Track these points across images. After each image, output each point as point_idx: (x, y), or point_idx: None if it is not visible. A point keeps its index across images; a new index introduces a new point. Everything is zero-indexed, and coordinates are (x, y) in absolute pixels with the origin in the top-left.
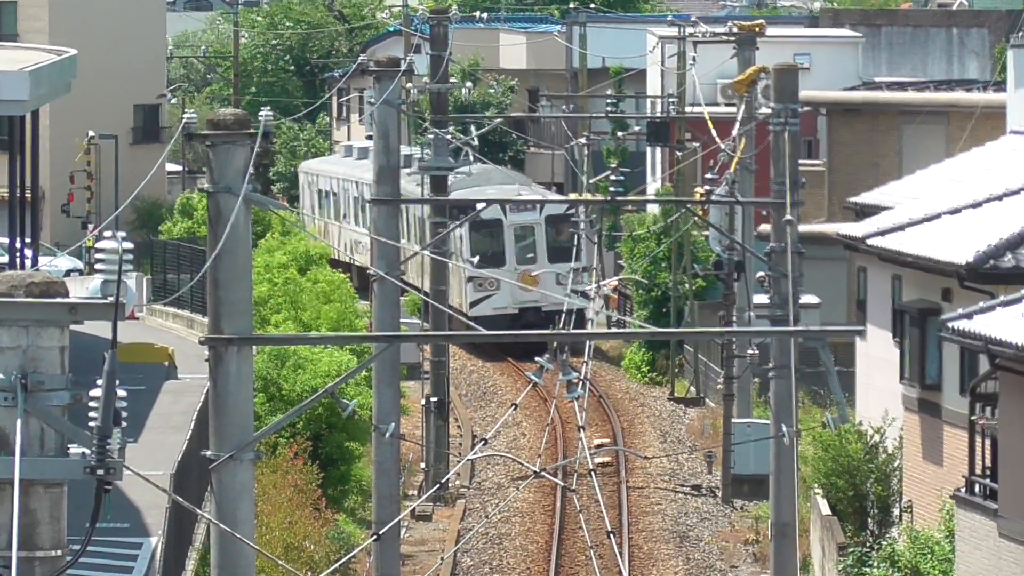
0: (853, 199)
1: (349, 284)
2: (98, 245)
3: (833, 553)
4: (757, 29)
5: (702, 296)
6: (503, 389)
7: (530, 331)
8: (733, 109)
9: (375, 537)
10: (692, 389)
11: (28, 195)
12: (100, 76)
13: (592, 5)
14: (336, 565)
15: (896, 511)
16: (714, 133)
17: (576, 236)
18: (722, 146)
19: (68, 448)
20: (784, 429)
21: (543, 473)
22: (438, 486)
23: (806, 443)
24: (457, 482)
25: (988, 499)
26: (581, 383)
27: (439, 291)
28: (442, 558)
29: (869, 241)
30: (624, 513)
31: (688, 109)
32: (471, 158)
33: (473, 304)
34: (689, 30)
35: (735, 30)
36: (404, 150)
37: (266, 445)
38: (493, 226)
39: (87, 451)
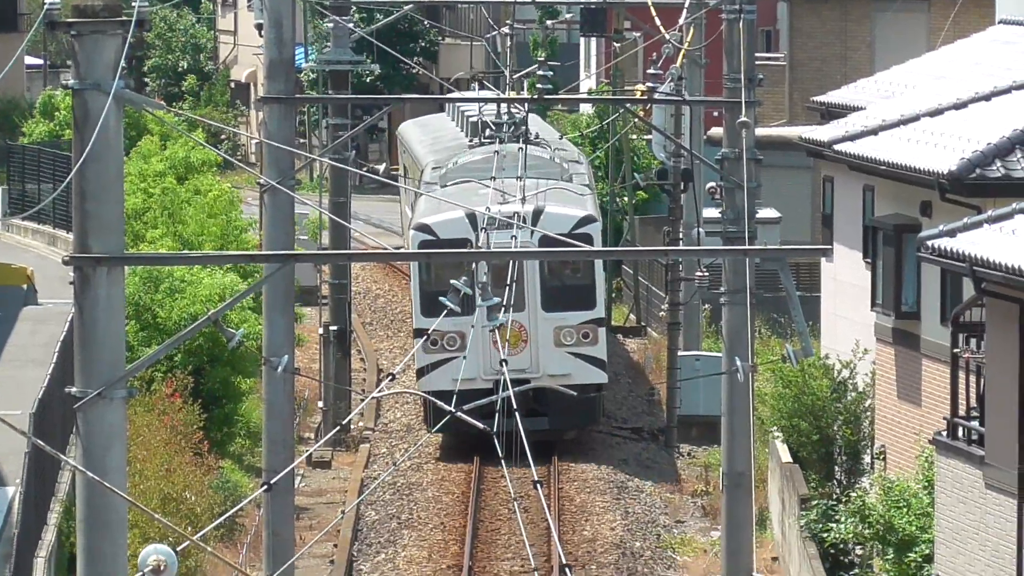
0: (818, 98)
1: (237, 193)
2: None
3: (794, 506)
4: None
5: (644, 210)
6: (412, 317)
7: (447, 251)
8: None
9: (265, 487)
10: (632, 317)
11: None
12: None
13: None
14: (221, 519)
15: (867, 458)
16: (657, 21)
17: (588, 268)
18: (667, 36)
19: None
20: (738, 363)
21: (459, 413)
22: (338, 428)
23: (764, 380)
24: (360, 424)
25: (973, 444)
26: (503, 309)
27: (338, 204)
28: (343, 511)
29: (837, 147)
30: (553, 460)
31: None
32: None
33: (423, 372)
34: None
35: None
36: None
37: (140, 381)
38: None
39: None
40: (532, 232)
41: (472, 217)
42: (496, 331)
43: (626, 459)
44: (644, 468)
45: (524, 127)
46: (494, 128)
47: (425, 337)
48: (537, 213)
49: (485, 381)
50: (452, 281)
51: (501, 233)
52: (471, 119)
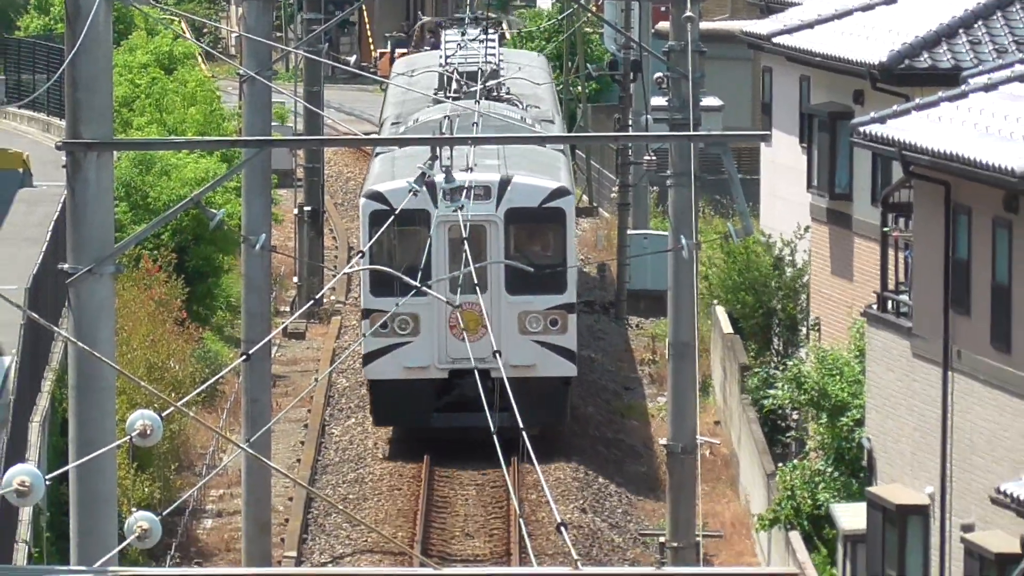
0: None
1: (215, 85)
2: None
3: (735, 374)
4: None
5: (596, 98)
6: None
7: (405, 137)
8: None
9: (244, 357)
10: (585, 198)
11: None
12: None
13: None
14: (203, 387)
15: (803, 329)
16: None
17: (559, 247)
18: None
19: None
20: (683, 241)
21: (426, 288)
22: (312, 302)
23: (707, 256)
24: (332, 297)
25: (901, 316)
26: (466, 192)
27: (312, 92)
28: (316, 379)
29: (775, 40)
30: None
31: None
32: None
33: (370, 358)
34: None
35: None
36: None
37: (128, 257)
38: (412, 222)
39: None
40: (497, 204)
41: (431, 186)
42: (456, 313)
43: (579, 331)
44: (596, 339)
45: (496, 78)
46: (461, 80)
47: (376, 317)
48: (504, 183)
49: (439, 370)
50: (417, 165)
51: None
52: (440, 69)
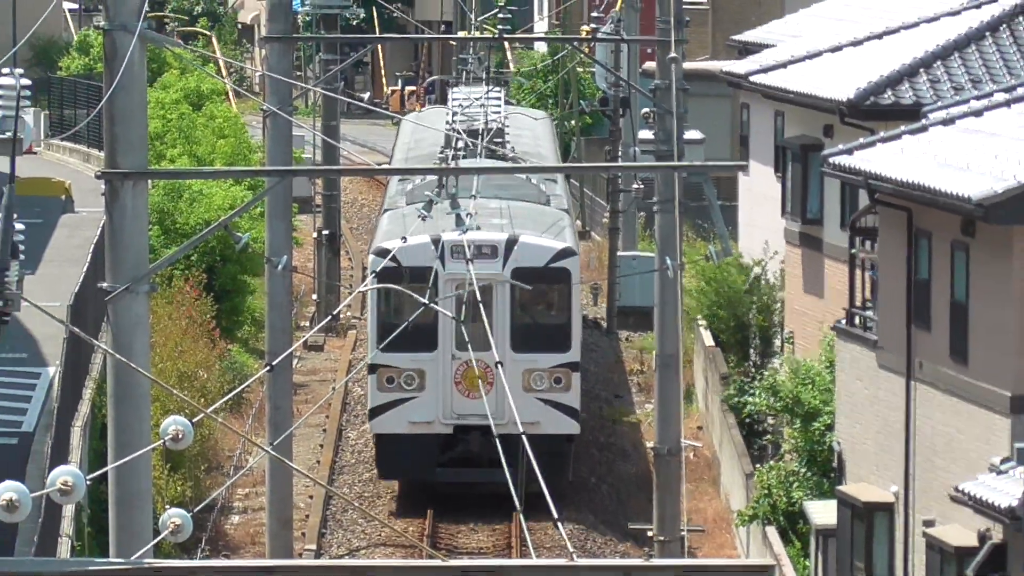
0: (736, 37)
1: (241, 119)
2: None
3: (716, 383)
4: None
5: (588, 132)
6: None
7: (414, 168)
8: None
9: (268, 367)
10: (578, 223)
11: None
12: None
13: None
14: (230, 395)
15: (778, 342)
16: None
17: (564, 306)
18: None
19: None
20: (668, 262)
21: (434, 305)
22: (329, 317)
23: (690, 276)
24: (348, 313)
25: (868, 331)
26: (470, 216)
27: (329, 126)
28: (334, 388)
29: (752, 78)
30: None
31: None
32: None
33: (376, 412)
34: None
35: None
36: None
37: (161, 277)
38: (419, 279)
39: None
40: (504, 263)
41: (438, 242)
42: (462, 369)
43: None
44: (589, 351)
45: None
46: (467, 139)
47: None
48: (511, 243)
49: (444, 425)
50: (426, 192)
51: (458, 263)
52: (446, 128)
